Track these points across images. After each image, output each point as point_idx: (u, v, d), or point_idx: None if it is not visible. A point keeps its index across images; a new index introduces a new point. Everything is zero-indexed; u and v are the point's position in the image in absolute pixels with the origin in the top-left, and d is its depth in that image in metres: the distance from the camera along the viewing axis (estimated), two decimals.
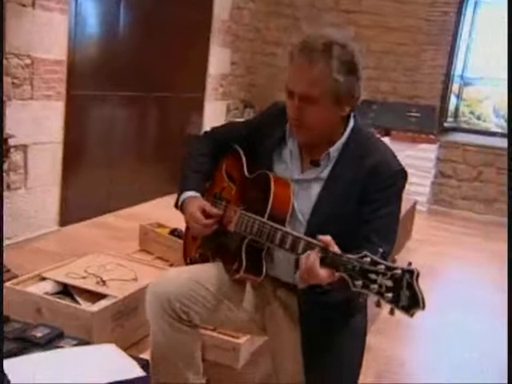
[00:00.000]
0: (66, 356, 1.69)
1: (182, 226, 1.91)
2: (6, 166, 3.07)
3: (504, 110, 5.85)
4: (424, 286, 1.19)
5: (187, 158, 1.80)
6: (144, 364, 1.69)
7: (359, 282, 1.23)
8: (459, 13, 5.50)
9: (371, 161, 1.50)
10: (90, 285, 2.42)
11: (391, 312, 1.20)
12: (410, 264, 1.21)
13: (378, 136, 1.71)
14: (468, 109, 6.06)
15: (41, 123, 3.42)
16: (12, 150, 3.14)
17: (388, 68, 5.69)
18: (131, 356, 1.75)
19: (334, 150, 1.54)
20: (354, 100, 1.50)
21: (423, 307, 1.17)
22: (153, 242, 3.27)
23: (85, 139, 3.97)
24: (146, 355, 1.83)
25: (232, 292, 1.65)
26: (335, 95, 1.45)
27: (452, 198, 5.64)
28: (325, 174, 1.55)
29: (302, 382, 1.51)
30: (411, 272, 1.18)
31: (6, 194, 3.19)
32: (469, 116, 6.07)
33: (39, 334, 1.85)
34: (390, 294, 1.19)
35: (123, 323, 2.30)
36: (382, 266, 1.21)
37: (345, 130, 1.56)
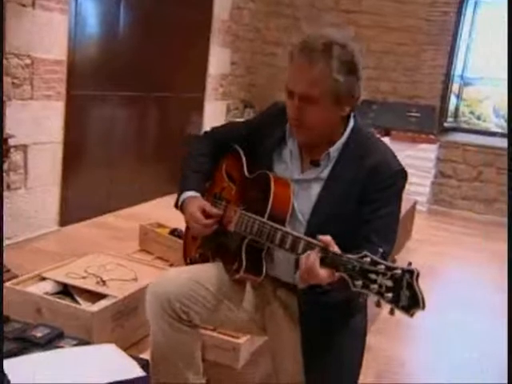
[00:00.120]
0: (66, 356, 1.69)
1: (181, 225, 1.91)
2: (6, 166, 3.07)
3: (504, 110, 5.85)
4: (424, 286, 1.19)
5: (187, 158, 1.80)
6: (144, 364, 1.69)
7: (359, 282, 1.23)
8: (459, 13, 5.50)
9: (371, 161, 1.50)
10: (90, 285, 2.42)
11: (391, 312, 1.20)
12: (410, 264, 1.21)
13: (378, 136, 1.71)
14: (468, 109, 6.06)
15: (41, 123, 3.43)
16: (12, 150, 3.14)
17: (388, 68, 5.69)
18: (131, 356, 1.75)
19: (334, 150, 1.54)
20: (354, 100, 1.50)
21: (423, 307, 1.17)
22: (153, 241, 3.27)
23: (85, 139, 3.97)
24: (146, 355, 1.82)
25: (232, 292, 1.65)
26: (335, 95, 1.45)
27: (452, 198, 5.64)
28: (325, 173, 1.55)
29: (302, 382, 1.51)
30: (411, 272, 1.18)
31: (6, 193, 3.19)
32: (469, 116, 6.07)
33: (39, 334, 1.85)
34: (390, 294, 1.19)
35: (123, 323, 2.30)
36: (382, 266, 1.21)
37: (345, 130, 1.56)
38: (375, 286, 1.20)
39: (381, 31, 5.64)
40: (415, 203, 4.52)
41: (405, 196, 1.58)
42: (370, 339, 1.72)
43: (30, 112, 3.32)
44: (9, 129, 2.93)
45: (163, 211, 3.54)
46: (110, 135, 4.21)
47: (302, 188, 1.57)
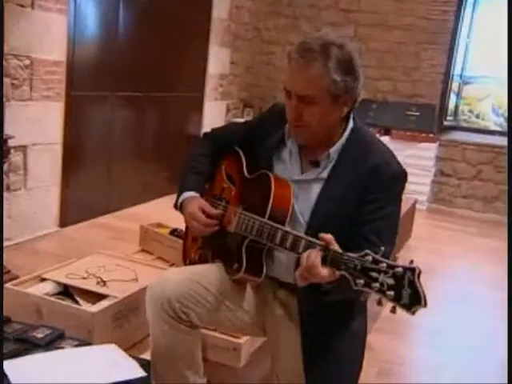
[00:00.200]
0: (67, 357, 1.70)
1: (182, 226, 1.91)
2: (5, 167, 3.07)
3: (503, 109, 5.85)
4: (424, 284, 1.19)
5: (187, 159, 1.80)
6: (144, 364, 1.69)
7: (361, 281, 1.23)
8: (458, 11, 5.50)
9: (371, 161, 1.50)
10: (90, 285, 2.42)
11: (393, 310, 1.20)
12: (411, 262, 1.21)
13: (378, 135, 1.71)
14: (467, 107, 6.07)
15: (40, 124, 3.42)
16: (12, 150, 3.14)
17: (387, 67, 5.69)
18: (132, 356, 1.75)
19: (334, 151, 1.54)
20: (353, 100, 1.50)
21: (425, 305, 1.17)
22: (153, 242, 3.27)
23: (84, 140, 3.97)
24: (146, 355, 1.83)
25: (232, 293, 1.65)
26: (333, 95, 1.45)
27: (452, 197, 5.65)
28: (324, 174, 1.55)
29: (302, 382, 1.51)
30: (413, 270, 1.18)
31: (5, 195, 3.19)
32: (468, 115, 6.07)
33: (40, 335, 1.85)
34: (391, 292, 1.19)
35: (124, 323, 2.29)
36: (384, 264, 1.21)
37: (344, 130, 1.56)
38: (377, 285, 1.20)
39: (380, 30, 5.64)
40: (415, 202, 4.52)
41: (405, 195, 1.58)
42: (371, 338, 1.73)
43: (30, 113, 3.32)
44: (8, 130, 2.93)
45: (163, 211, 3.54)
46: (110, 135, 4.20)
47: (301, 188, 1.57)
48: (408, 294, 1.17)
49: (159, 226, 3.41)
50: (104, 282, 2.45)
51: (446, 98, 5.77)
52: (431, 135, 5.54)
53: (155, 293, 1.58)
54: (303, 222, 1.54)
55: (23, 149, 3.34)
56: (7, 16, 2.99)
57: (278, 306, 1.64)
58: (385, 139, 5.08)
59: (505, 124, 5.82)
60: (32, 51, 3.26)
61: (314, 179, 1.56)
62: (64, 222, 3.77)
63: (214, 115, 5.40)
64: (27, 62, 3.24)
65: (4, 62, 3.04)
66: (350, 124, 1.57)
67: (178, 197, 1.72)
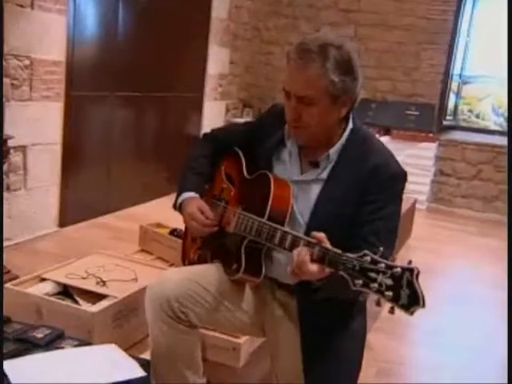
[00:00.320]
0: (67, 357, 1.70)
1: (181, 226, 1.91)
2: (5, 167, 3.07)
3: (503, 108, 5.85)
4: (423, 283, 1.19)
5: (187, 159, 1.80)
6: (144, 364, 1.70)
7: (359, 281, 1.23)
8: (458, 11, 5.50)
9: (371, 162, 1.50)
10: (90, 285, 2.42)
11: (391, 311, 1.20)
12: (410, 262, 1.21)
13: (377, 135, 1.71)
14: (467, 107, 6.07)
15: (40, 124, 3.43)
16: (11, 151, 3.14)
17: (387, 67, 5.69)
18: (132, 356, 1.75)
19: (334, 151, 1.54)
20: (352, 100, 1.50)
21: (423, 305, 1.17)
22: (153, 242, 3.27)
23: (84, 140, 3.97)
24: (146, 355, 1.83)
25: (231, 293, 1.65)
26: (332, 96, 1.45)
27: (451, 196, 5.65)
28: (324, 175, 1.55)
29: (302, 382, 1.51)
30: (411, 270, 1.18)
31: (5, 195, 3.19)
32: (468, 114, 6.07)
33: (40, 335, 1.85)
34: (390, 293, 1.19)
35: (123, 323, 2.30)
36: (382, 265, 1.21)
37: (344, 131, 1.56)
38: (375, 285, 1.20)
39: (380, 30, 5.64)
40: (415, 201, 4.52)
41: (404, 194, 1.58)
42: (370, 337, 1.73)
43: (29, 113, 3.32)
44: (8, 130, 2.93)
45: (163, 211, 3.53)
46: (109, 135, 4.20)
47: (301, 189, 1.57)
48: (406, 294, 1.17)
49: (159, 226, 3.41)
50: (104, 282, 2.45)
51: (446, 98, 5.76)
52: (431, 135, 5.54)
53: (154, 293, 1.58)
54: (303, 222, 1.54)
55: (23, 149, 3.34)
56: (7, 16, 3.00)
57: (277, 306, 1.64)
58: (384, 139, 5.08)
59: (505, 124, 5.82)
60: (32, 51, 3.26)
61: (314, 180, 1.56)
62: (64, 222, 3.77)
63: (213, 115, 5.40)
64: (27, 62, 3.24)
65: (4, 62, 3.04)
66: (350, 124, 1.57)
67: (178, 197, 1.72)
